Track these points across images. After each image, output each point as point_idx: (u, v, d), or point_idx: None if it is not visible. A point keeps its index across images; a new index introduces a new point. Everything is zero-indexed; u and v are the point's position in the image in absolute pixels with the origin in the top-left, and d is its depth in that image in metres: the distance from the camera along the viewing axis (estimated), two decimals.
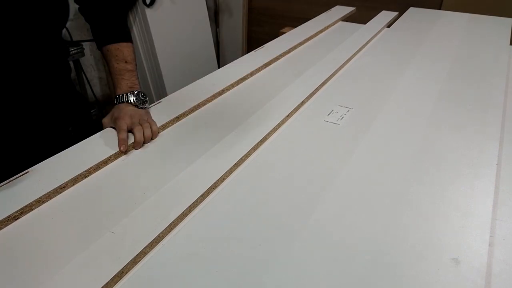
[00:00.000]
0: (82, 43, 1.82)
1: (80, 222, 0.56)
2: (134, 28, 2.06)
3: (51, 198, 0.60)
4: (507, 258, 0.51)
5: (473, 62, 1.11)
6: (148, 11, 1.99)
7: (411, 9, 1.69)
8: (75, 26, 1.94)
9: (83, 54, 1.75)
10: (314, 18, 1.55)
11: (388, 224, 0.55)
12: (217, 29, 2.75)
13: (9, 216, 0.54)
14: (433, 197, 0.61)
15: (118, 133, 0.72)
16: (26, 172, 0.62)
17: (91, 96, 2.06)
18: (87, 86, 1.96)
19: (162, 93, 2.19)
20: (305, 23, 1.48)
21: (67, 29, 1.77)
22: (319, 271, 0.48)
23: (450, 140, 0.75)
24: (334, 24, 1.50)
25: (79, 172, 0.63)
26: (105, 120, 0.78)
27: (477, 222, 0.56)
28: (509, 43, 1.26)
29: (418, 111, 0.86)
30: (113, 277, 0.46)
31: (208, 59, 2.51)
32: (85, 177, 0.64)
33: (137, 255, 0.49)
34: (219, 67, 2.63)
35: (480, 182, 0.64)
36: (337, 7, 1.69)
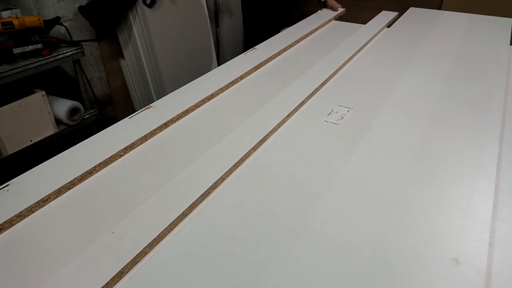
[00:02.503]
0: (82, 43, 1.82)
1: (80, 222, 0.56)
2: (134, 28, 2.06)
3: (52, 200, 0.60)
4: (507, 258, 0.51)
5: (473, 62, 1.11)
6: (148, 11, 1.99)
7: (411, 9, 1.69)
8: (75, 26, 1.94)
9: (83, 54, 1.75)
10: (306, 19, 1.55)
11: (388, 224, 0.55)
12: (217, 29, 2.75)
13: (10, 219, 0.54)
14: (433, 197, 0.61)
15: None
16: (7, 185, 0.61)
17: (91, 96, 2.06)
18: (87, 86, 1.96)
19: (162, 93, 2.19)
20: (297, 23, 1.48)
21: (66, 29, 1.77)
22: (319, 271, 0.48)
23: (450, 140, 0.75)
24: (327, 23, 1.51)
25: (62, 184, 0.61)
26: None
27: (477, 222, 0.56)
28: (509, 43, 1.26)
29: (418, 111, 0.86)
30: (113, 277, 0.46)
31: (208, 59, 2.51)
32: (69, 188, 0.62)
33: (137, 255, 0.49)
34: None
35: (480, 182, 0.64)
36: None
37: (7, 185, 0.61)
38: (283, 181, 0.64)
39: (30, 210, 0.57)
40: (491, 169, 0.67)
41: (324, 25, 1.49)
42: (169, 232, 0.54)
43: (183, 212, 0.56)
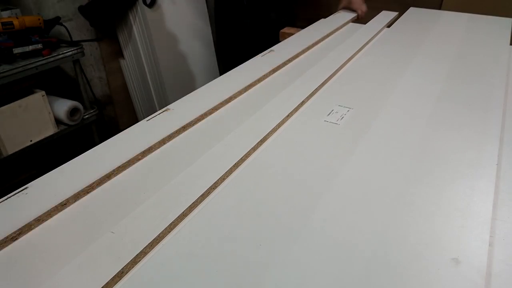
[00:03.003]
0: (82, 43, 1.82)
1: (80, 222, 0.56)
2: (134, 28, 2.06)
3: (70, 203, 0.59)
4: (507, 258, 0.51)
5: (473, 62, 1.11)
6: (148, 11, 1.99)
7: (411, 9, 1.69)
8: (75, 26, 1.94)
9: (83, 54, 1.75)
10: (319, 21, 1.54)
11: (388, 224, 0.55)
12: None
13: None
14: (433, 197, 0.61)
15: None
16: (25, 188, 0.61)
17: (91, 96, 2.06)
18: (87, 86, 1.96)
19: (161, 93, 2.19)
20: (310, 26, 1.48)
21: (66, 29, 1.77)
22: (319, 271, 0.48)
23: (450, 140, 0.75)
24: (343, 27, 1.50)
25: (81, 188, 0.61)
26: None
27: (477, 222, 0.56)
28: (509, 43, 1.26)
29: (418, 111, 0.86)
30: (113, 277, 0.46)
31: (208, 59, 2.51)
32: (87, 192, 0.61)
33: (137, 255, 0.49)
34: (219, 67, 2.63)
35: (480, 182, 0.64)
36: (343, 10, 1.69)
37: (26, 188, 0.61)
38: (283, 181, 0.64)
39: (49, 214, 0.57)
40: (491, 169, 0.67)
41: (339, 29, 1.47)
42: (169, 232, 0.54)
43: (183, 212, 0.56)
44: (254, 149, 0.72)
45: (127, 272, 0.48)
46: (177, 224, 0.56)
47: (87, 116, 1.84)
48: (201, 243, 0.53)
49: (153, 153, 0.72)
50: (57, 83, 1.94)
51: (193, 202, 0.58)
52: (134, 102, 2.38)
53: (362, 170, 0.67)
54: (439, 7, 2.09)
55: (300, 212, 0.58)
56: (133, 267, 0.49)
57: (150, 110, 2.31)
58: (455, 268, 0.48)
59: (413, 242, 0.52)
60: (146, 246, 0.51)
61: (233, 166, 0.67)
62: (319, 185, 0.63)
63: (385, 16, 1.58)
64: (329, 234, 0.54)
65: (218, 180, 0.63)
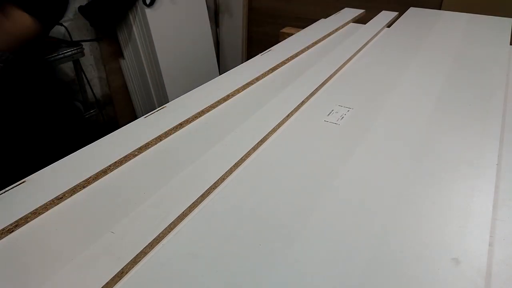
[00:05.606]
0: (82, 43, 1.82)
1: (80, 222, 0.56)
2: (134, 28, 2.07)
3: (66, 197, 0.59)
4: (507, 258, 0.51)
5: (473, 62, 1.11)
6: (148, 11, 1.99)
7: (411, 9, 1.69)
8: (75, 26, 1.94)
9: (83, 54, 1.75)
10: (319, 20, 1.54)
11: (388, 224, 0.55)
12: (217, 29, 2.75)
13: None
14: (433, 197, 0.61)
15: None
16: (23, 182, 0.61)
17: (91, 96, 2.06)
18: (87, 86, 1.96)
19: (162, 93, 2.19)
20: (310, 26, 1.47)
21: (66, 29, 1.77)
22: (319, 271, 0.48)
23: (450, 140, 0.75)
24: (344, 27, 1.49)
25: (77, 182, 0.61)
26: None
27: (477, 222, 0.56)
28: (509, 43, 1.26)
29: (418, 111, 0.86)
30: (113, 277, 0.46)
31: (208, 59, 2.51)
32: (84, 187, 0.62)
33: (137, 255, 0.49)
34: (219, 67, 2.63)
35: (480, 182, 0.64)
36: (346, 9, 1.69)
37: (23, 182, 0.61)
38: (283, 181, 0.64)
39: (45, 207, 0.57)
40: (491, 169, 0.67)
41: (339, 29, 1.47)
42: (169, 232, 0.54)
43: (183, 212, 0.56)
44: (254, 149, 0.72)
45: (127, 272, 0.48)
46: (177, 224, 0.56)
47: (87, 116, 1.85)
48: (201, 243, 0.53)
49: (150, 149, 0.72)
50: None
51: (193, 202, 0.58)
52: (134, 102, 2.38)
53: (362, 170, 0.67)
54: (439, 7, 2.10)
55: (300, 212, 0.58)
56: (133, 267, 0.49)
57: (150, 110, 2.31)
58: (455, 268, 0.48)
59: (413, 242, 0.52)
60: (146, 246, 0.51)
61: (233, 166, 0.67)
62: (319, 185, 0.63)
63: (385, 16, 1.58)
64: (329, 234, 0.54)
65: (218, 180, 0.63)
